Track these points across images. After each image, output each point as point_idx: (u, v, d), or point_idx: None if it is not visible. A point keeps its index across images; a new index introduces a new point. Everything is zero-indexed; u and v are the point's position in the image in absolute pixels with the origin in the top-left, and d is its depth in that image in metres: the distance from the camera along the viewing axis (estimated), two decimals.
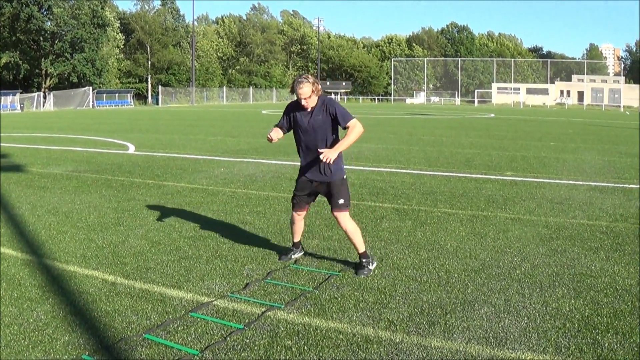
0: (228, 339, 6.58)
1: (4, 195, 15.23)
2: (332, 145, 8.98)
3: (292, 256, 9.73)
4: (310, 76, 8.91)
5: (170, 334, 6.79)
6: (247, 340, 6.55)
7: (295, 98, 9.00)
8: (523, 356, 6.17)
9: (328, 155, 8.49)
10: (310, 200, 9.49)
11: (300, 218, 9.62)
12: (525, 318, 7.17)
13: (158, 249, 10.30)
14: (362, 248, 9.13)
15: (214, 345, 6.42)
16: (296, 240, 9.83)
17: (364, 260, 9.09)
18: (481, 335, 6.67)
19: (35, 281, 8.65)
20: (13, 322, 7.09)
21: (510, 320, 7.11)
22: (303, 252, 9.92)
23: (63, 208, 13.70)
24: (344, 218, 9.11)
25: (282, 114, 9.35)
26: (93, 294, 8.08)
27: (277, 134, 9.08)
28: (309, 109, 8.99)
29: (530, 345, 6.41)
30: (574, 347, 6.38)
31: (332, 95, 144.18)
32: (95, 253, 10.08)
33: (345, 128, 8.97)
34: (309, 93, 8.79)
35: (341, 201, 9.09)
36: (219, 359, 6.14)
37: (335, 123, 9.01)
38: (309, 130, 8.99)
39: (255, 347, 6.39)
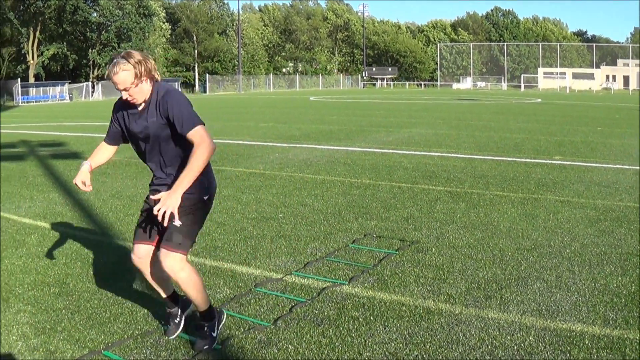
0: (298, 309, 7.01)
1: (67, 182, 15.73)
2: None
3: (176, 323, 6.55)
4: (134, 52, 5.75)
5: (243, 306, 7.22)
6: (316, 312, 6.96)
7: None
8: (573, 327, 6.48)
9: (166, 205, 5.41)
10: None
11: (145, 260, 6.20)
12: (576, 293, 7.48)
13: (224, 229, 10.74)
14: (203, 305, 6.21)
15: (284, 316, 6.83)
16: (166, 294, 6.51)
17: (205, 324, 6.25)
18: (534, 308, 7.00)
19: (109, 260, 9.09)
20: (92, 297, 7.52)
21: (561, 294, 7.43)
22: (189, 308, 6.67)
23: (126, 192, 14.18)
24: (173, 261, 5.86)
25: (110, 121, 6.26)
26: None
27: (86, 176, 6.20)
28: (140, 107, 5.92)
29: (580, 318, 6.72)
30: (620, 319, 6.68)
31: (378, 82, 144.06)
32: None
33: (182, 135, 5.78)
34: (129, 80, 5.65)
35: (177, 238, 5.88)
36: (290, 328, 6.56)
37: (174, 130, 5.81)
38: (146, 140, 5.97)
39: (325, 318, 6.78)
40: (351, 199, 13.19)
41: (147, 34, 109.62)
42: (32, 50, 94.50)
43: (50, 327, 6.67)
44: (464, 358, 5.82)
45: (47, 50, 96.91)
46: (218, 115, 43.52)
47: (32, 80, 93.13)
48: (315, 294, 7.56)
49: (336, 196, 13.48)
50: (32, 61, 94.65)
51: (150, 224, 6.12)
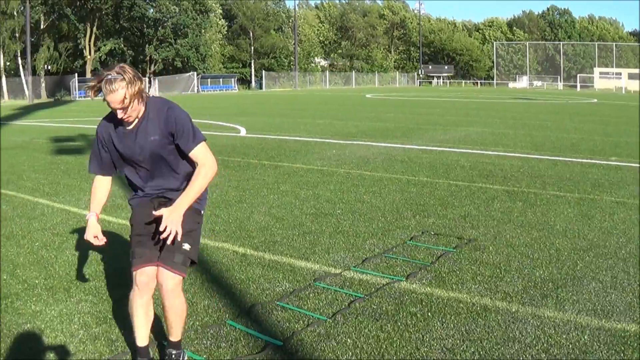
0: (356, 304, 7.12)
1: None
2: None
3: None
4: (127, 67, 5.37)
5: (302, 300, 7.35)
6: (375, 307, 7.07)
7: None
8: (628, 327, 6.52)
9: (172, 226, 5.26)
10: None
11: (152, 285, 5.63)
12: (630, 294, 7.50)
13: (282, 224, 10.89)
14: (181, 334, 5.85)
15: (342, 311, 6.95)
16: (142, 344, 5.76)
17: (174, 352, 5.84)
18: (590, 308, 7.04)
19: None
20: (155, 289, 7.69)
21: (616, 295, 7.46)
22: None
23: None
24: (175, 284, 5.56)
25: (94, 150, 5.84)
26: (226, 264, 8.71)
27: (96, 229, 5.77)
28: (131, 126, 5.55)
29: (635, 318, 6.75)
30: None
31: (434, 80, 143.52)
32: (223, 227, 10.71)
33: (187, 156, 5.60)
34: (127, 98, 5.28)
35: (179, 258, 5.55)
36: (348, 323, 6.66)
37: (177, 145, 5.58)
38: (140, 159, 5.62)
39: (383, 314, 6.89)
40: (409, 196, 13.26)
41: (203, 31, 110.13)
42: (89, 45, 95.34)
43: (111, 317, 6.87)
44: (519, 355, 5.90)
45: (104, 45, 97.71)
46: (275, 112, 43.74)
47: (89, 75, 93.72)
48: (373, 289, 7.67)
49: (394, 193, 13.56)
50: (89, 56, 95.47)
51: (152, 243, 5.63)
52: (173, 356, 5.82)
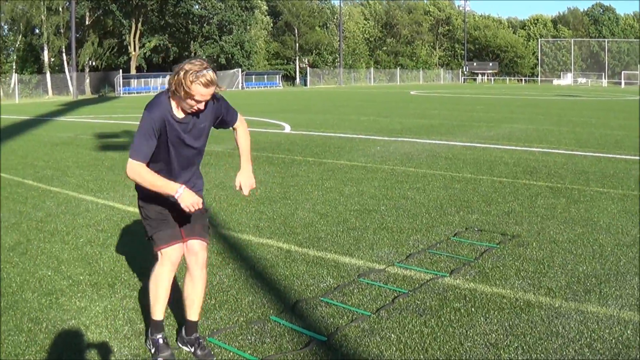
0: (400, 300, 7.16)
1: None
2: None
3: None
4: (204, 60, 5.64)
5: (346, 295, 7.40)
6: (418, 302, 7.11)
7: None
8: None
9: (252, 181, 6.27)
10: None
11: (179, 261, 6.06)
12: None
13: (326, 220, 10.94)
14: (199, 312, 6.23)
15: (386, 306, 6.99)
16: (162, 317, 6.12)
17: (198, 336, 6.15)
18: (633, 303, 7.04)
19: (214, 248, 9.34)
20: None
21: None
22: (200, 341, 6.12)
23: (229, 183, 14.24)
24: (206, 254, 6.15)
25: (147, 133, 5.60)
26: (270, 260, 8.77)
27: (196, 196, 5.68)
28: (183, 116, 5.75)
29: None
30: None
31: (479, 77, 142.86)
32: (267, 224, 10.78)
33: (231, 127, 6.29)
34: (212, 93, 5.61)
35: (205, 229, 6.18)
36: (392, 318, 6.70)
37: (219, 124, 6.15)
38: (186, 147, 5.86)
39: (427, 309, 6.92)
40: (452, 192, 13.28)
41: (248, 27, 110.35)
42: (134, 42, 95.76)
43: None
44: (563, 350, 5.91)
45: (149, 42, 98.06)
46: (319, 108, 43.77)
47: (133, 71, 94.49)
48: (417, 285, 7.71)
49: (438, 190, 13.57)
50: (133, 53, 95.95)
51: (179, 224, 6.02)
52: (200, 340, 6.07)
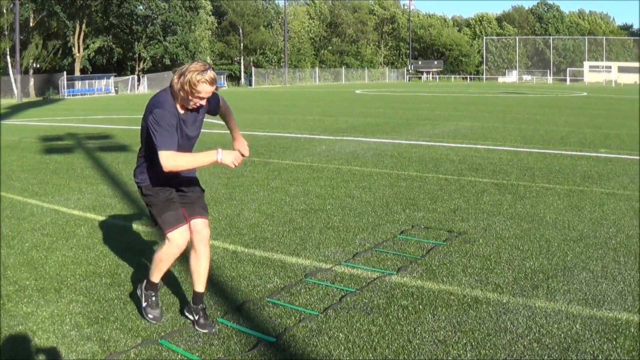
0: (348, 299, 7.14)
1: (115, 173, 15.95)
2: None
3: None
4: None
5: (293, 296, 7.36)
6: (366, 301, 7.09)
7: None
8: (619, 316, 6.59)
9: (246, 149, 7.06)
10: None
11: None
12: (621, 283, 7.58)
13: (272, 220, 10.88)
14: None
15: (334, 306, 6.96)
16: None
17: (203, 306, 6.74)
18: (581, 297, 7.11)
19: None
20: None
21: (607, 284, 7.53)
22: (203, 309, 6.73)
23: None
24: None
25: (169, 126, 6.12)
26: (217, 261, 8.67)
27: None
28: (183, 110, 6.37)
29: (626, 307, 6.82)
30: None
31: (424, 75, 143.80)
32: (213, 225, 10.58)
33: (217, 114, 7.00)
34: (212, 91, 6.28)
35: (205, 207, 6.89)
36: (340, 317, 6.68)
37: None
38: (188, 140, 6.54)
39: (374, 307, 6.91)
40: (398, 190, 13.30)
41: (193, 27, 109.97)
42: (78, 43, 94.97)
43: (103, 317, 6.82)
44: (511, 345, 5.93)
45: (93, 43, 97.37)
46: (264, 108, 43.62)
47: (78, 73, 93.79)
48: (364, 283, 7.69)
49: (384, 188, 13.59)
50: (78, 54, 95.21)
51: (182, 206, 6.60)
52: (205, 311, 6.67)
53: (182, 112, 6.29)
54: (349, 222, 10.68)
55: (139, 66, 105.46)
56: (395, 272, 8.06)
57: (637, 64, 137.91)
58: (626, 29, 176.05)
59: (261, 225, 10.63)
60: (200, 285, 6.70)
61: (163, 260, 6.61)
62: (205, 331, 6.47)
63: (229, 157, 6.11)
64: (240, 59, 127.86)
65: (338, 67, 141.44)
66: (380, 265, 8.41)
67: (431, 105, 45.17)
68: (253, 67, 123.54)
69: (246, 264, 8.59)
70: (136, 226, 10.74)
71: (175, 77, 6.08)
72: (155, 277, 6.75)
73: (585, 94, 69.32)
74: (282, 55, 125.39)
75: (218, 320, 6.68)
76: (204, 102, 6.22)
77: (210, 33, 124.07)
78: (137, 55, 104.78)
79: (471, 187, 13.57)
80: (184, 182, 6.67)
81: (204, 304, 6.69)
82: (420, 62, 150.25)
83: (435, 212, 11.35)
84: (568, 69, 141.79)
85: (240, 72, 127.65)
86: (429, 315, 6.66)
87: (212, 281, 7.86)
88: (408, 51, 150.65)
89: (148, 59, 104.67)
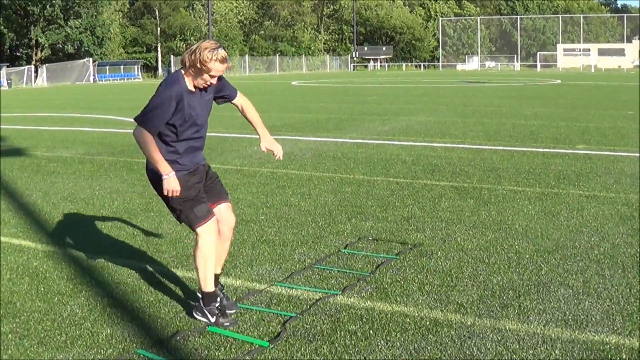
0: (286, 325, 7.05)
1: (9, 182, 15.72)
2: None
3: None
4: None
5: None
6: (308, 326, 7.03)
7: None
8: (607, 339, 6.54)
9: (278, 147, 7.99)
10: None
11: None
12: (607, 300, 7.57)
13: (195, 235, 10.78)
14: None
15: (281, 334, 6.85)
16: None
17: (223, 286, 7.96)
18: (559, 318, 7.09)
19: (63, 274, 9.08)
20: (44, 318, 7.48)
21: (590, 302, 7.52)
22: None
23: (81, 195, 14.15)
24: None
25: (162, 106, 6.94)
26: (132, 284, 8.57)
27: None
28: (193, 89, 7.14)
29: (615, 328, 6.79)
30: None
31: (371, 63, 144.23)
32: (127, 241, 10.58)
33: (230, 101, 7.71)
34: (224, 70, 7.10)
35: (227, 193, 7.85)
36: (278, 347, 6.57)
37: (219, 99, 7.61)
38: (200, 117, 7.27)
39: (317, 333, 6.85)
40: (343, 197, 13.31)
41: (100, 9, 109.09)
42: None
43: None
44: None
45: None
46: None
47: None
48: (305, 306, 7.63)
49: (325, 194, 13.59)
50: None
51: (205, 193, 7.47)
52: (224, 291, 7.82)
53: (192, 89, 7.06)
54: (285, 235, 10.65)
55: (36, 55, 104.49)
56: (340, 292, 8.02)
57: (621, 45, 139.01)
58: (608, 4, 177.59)
59: (183, 240, 10.55)
60: (218, 267, 7.70)
61: (207, 259, 7.26)
62: (233, 311, 7.48)
63: (171, 184, 7.01)
64: (157, 46, 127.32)
65: (271, 55, 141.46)
66: (322, 285, 8.37)
67: (379, 97, 45.35)
68: (172, 56, 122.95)
69: (167, 286, 8.50)
70: (34, 245, 10.55)
71: (187, 54, 6.93)
72: (209, 285, 7.34)
73: (558, 81, 70.03)
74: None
75: (137, 352, 6.56)
76: (214, 81, 7.02)
77: (121, 16, 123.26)
78: (33, 41, 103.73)
79: (427, 191, 13.61)
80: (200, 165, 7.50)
81: (221, 284, 7.84)
82: (366, 49, 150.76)
83: (386, 221, 11.35)
84: (539, 53, 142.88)
85: (157, 61, 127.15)
86: (381, 342, 6.62)
87: (127, 308, 7.79)
88: (352, 36, 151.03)
89: (47, 46, 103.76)
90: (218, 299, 7.43)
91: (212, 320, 7.23)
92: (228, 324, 7.20)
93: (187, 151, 7.29)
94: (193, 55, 6.85)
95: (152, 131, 7.00)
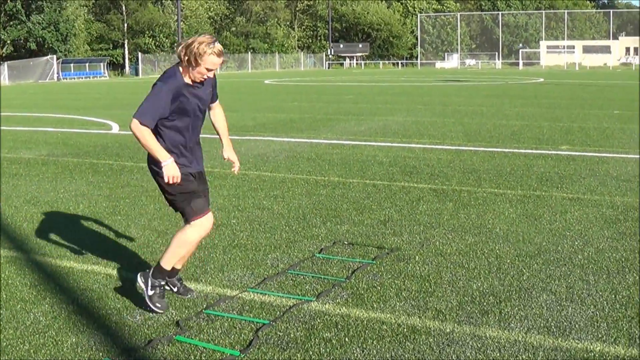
0: (259, 333, 7.05)
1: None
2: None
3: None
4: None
5: (192, 330, 7.24)
6: (281, 334, 7.04)
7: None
8: (591, 347, 6.58)
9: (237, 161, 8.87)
10: None
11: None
12: (592, 306, 7.61)
13: (165, 239, 10.67)
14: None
15: (253, 342, 6.83)
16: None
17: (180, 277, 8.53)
18: (542, 325, 7.12)
19: (26, 280, 9.05)
20: (7, 326, 7.44)
21: (574, 308, 7.56)
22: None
23: (44, 198, 14.10)
24: None
25: (159, 100, 7.39)
26: (98, 291, 8.55)
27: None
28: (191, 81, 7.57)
29: (599, 336, 6.83)
30: None
31: (347, 61, 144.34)
32: (93, 246, 10.52)
33: (210, 107, 8.27)
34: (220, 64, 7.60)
35: None
36: (251, 355, 6.58)
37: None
38: (198, 109, 7.77)
39: (291, 341, 6.86)
40: (317, 200, 13.34)
41: (63, 4, 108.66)
42: None
43: None
44: None
45: None
46: None
47: None
48: (278, 313, 7.63)
49: (299, 197, 13.61)
50: None
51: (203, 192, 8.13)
52: (182, 280, 8.45)
53: (190, 83, 7.46)
54: (258, 239, 10.66)
55: None
56: (314, 299, 8.04)
57: (607, 42, 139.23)
58: (593, 0, 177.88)
59: (152, 245, 10.56)
60: (181, 266, 8.27)
61: (184, 247, 7.81)
62: (188, 297, 8.17)
63: (171, 170, 7.39)
64: (124, 43, 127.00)
65: (243, 53, 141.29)
66: (296, 291, 8.38)
67: (355, 97, 45.41)
68: (140, 53, 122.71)
69: (134, 293, 8.43)
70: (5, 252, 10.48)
71: (182, 48, 7.27)
72: (168, 263, 7.80)
73: (541, 79, 70.28)
74: (176, 38, 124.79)
75: None
76: (211, 74, 7.46)
77: (86, 11, 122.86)
78: None
79: (404, 194, 13.65)
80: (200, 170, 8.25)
81: (180, 277, 8.40)
82: (342, 46, 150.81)
83: (362, 224, 11.38)
84: (521, 50, 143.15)
85: (124, 58, 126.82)
86: (357, 350, 6.63)
87: (93, 316, 7.78)
88: (327, 32, 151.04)
89: (8, 42, 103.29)
90: (172, 286, 8.17)
91: (149, 293, 7.71)
92: (160, 306, 7.68)
93: (189, 144, 7.92)
94: (189, 49, 7.19)
95: (148, 123, 7.31)
